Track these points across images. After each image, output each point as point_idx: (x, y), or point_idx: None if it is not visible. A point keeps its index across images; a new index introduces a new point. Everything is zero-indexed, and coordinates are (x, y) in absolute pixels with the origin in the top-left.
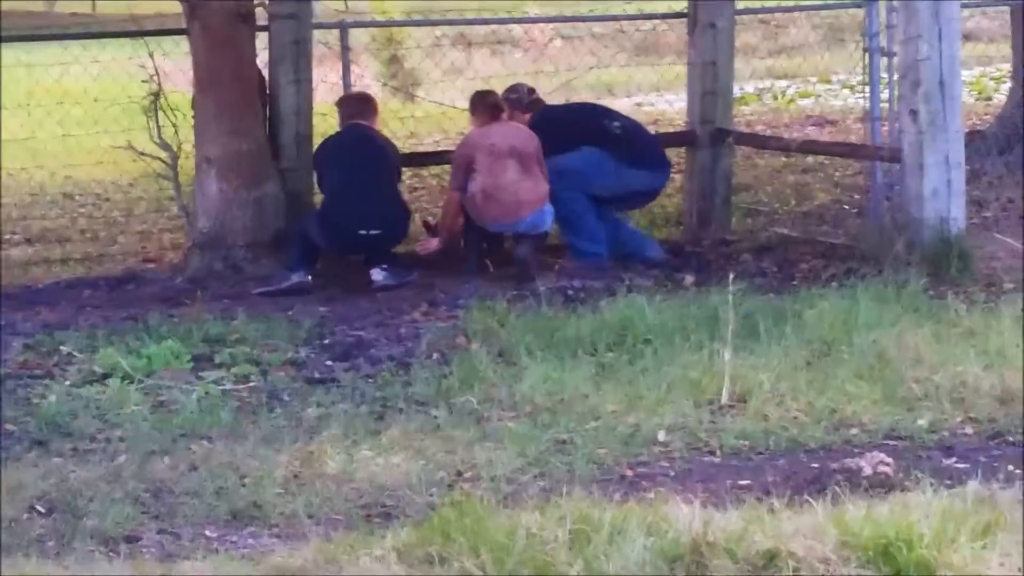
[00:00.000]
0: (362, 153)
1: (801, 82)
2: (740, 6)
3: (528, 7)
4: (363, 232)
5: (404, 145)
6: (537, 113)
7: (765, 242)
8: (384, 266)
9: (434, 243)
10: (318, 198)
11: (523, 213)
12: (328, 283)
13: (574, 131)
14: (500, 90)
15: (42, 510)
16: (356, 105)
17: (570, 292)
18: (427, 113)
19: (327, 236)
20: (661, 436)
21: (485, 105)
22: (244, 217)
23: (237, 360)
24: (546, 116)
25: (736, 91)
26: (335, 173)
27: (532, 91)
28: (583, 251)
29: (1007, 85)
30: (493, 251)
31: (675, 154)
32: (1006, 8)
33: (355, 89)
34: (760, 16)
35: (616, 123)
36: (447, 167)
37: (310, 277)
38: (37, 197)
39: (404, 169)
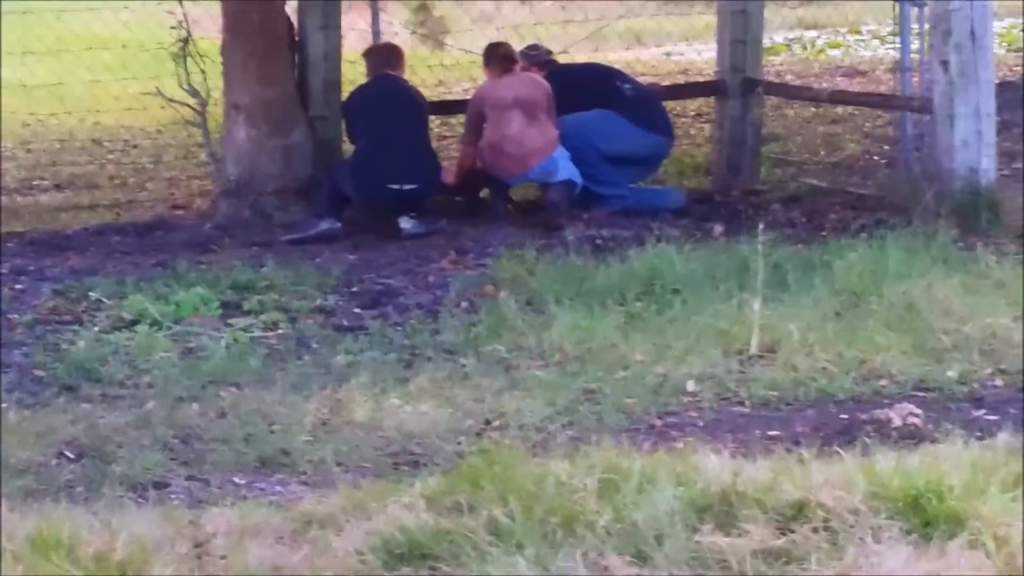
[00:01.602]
0: (393, 106)
1: (831, 32)
2: None
3: None
4: (395, 187)
5: (432, 93)
6: (549, 73)
7: (794, 192)
8: (412, 214)
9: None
10: (347, 147)
11: (531, 162)
12: (356, 231)
13: (585, 92)
14: (525, 40)
15: (71, 455)
16: (384, 56)
17: (599, 241)
18: (456, 61)
19: (358, 190)
20: (690, 386)
21: (497, 57)
22: (272, 164)
23: (266, 307)
24: (558, 76)
25: (766, 41)
26: (365, 126)
27: (550, 53)
28: (605, 196)
29: None
30: (510, 200)
31: (704, 104)
32: None
33: (384, 36)
34: None
35: (627, 85)
36: None
37: (339, 224)
38: (66, 143)
39: (432, 117)
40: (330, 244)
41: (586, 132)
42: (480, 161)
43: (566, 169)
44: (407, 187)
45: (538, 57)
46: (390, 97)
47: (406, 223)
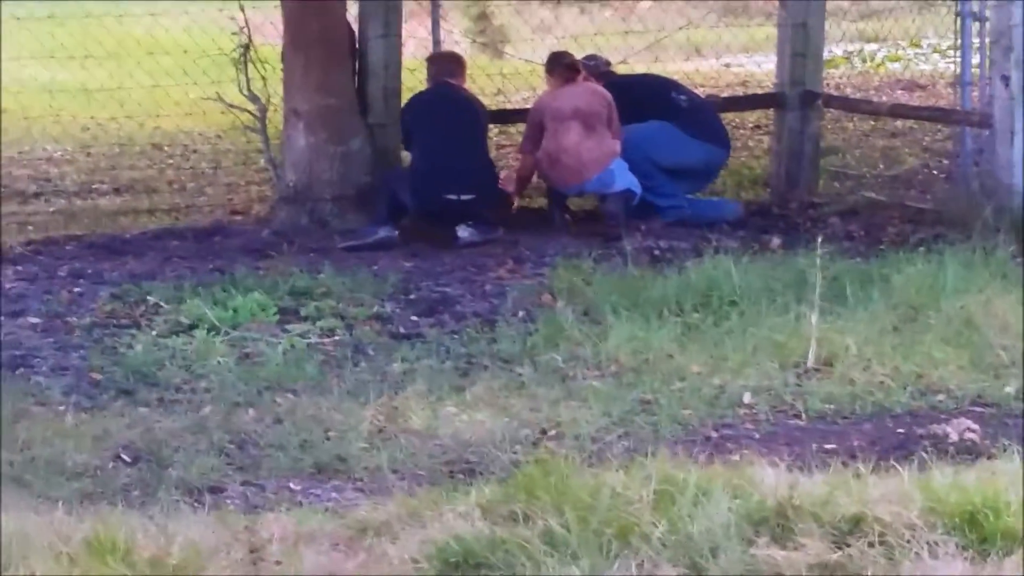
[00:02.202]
0: (451, 114)
1: (891, 45)
2: None
3: None
4: (452, 197)
5: (491, 102)
6: (606, 84)
7: (852, 206)
8: (469, 223)
9: (511, 186)
10: (404, 154)
11: (587, 174)
12: (413, 238)
13: (640, 102)
14: (585, 50)
15: (127, 459)
16: (445, 64)
17: (656, 252)
18: (515, 70)
19: (415, 199)
20: (746, 398)
21: (560, 66)
22: (331, 171)
23: (323, 314)
24: (614, 87)
25: (826, 53)
26: (424, 134)
27: (608, 63)
28: (662, 207)
29: None
30: (567, 210)
31: (763, 116)
32: None
33: (444, 45)
34: None
35: (683, 96)
36: None
37: (396, 232)
38: (126, 147)
39: (491, 126)
40: (387, 251)
41: (642, 144)
42: (538, 171)
43: (623, 180)
44: (464, 197)
45: (596, 67)
46: (448, 105)
47: (463, 231)
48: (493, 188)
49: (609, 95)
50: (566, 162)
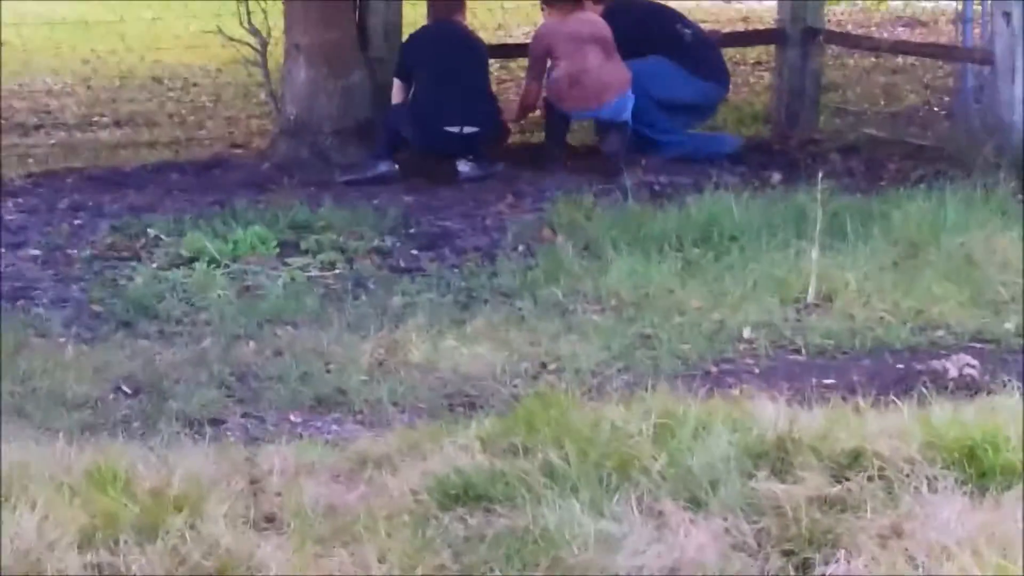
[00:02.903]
0: (452, 49)
1: None
2: None
3: None
4: (453, 130)
5: (492, 36)
6: (608, 7)
7: (853, 142)
8: (470, 157)
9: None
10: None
11: (607, 97)
12: (413, 173)
13: (644, 30)
14: None
15: (128, 391)
16: (447, 2)
17: (656, 187)
18: (516, 4)
19: (417, 133)
20: (746, 333)
21: None
22: (332, 105)
23: (323, 247)
24: (618, 11)
25: None
26: (426, 69)
27: None
28: (661, 142)
29: None
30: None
31: (764, 52)
32: None
33: None
34: None
35: (688, 29)
36: None
37: (396, 166)
38: (126, 81)
39: (491, 61)
40: (387, 186)
41: (639, 79)
42: (551, 95)
43: (629, 111)
44: (467, 130)
45: None
46: (450, 41)
47: (464, 166)
48: (496, 122)
49: (609, 28)
50: (587, 83)
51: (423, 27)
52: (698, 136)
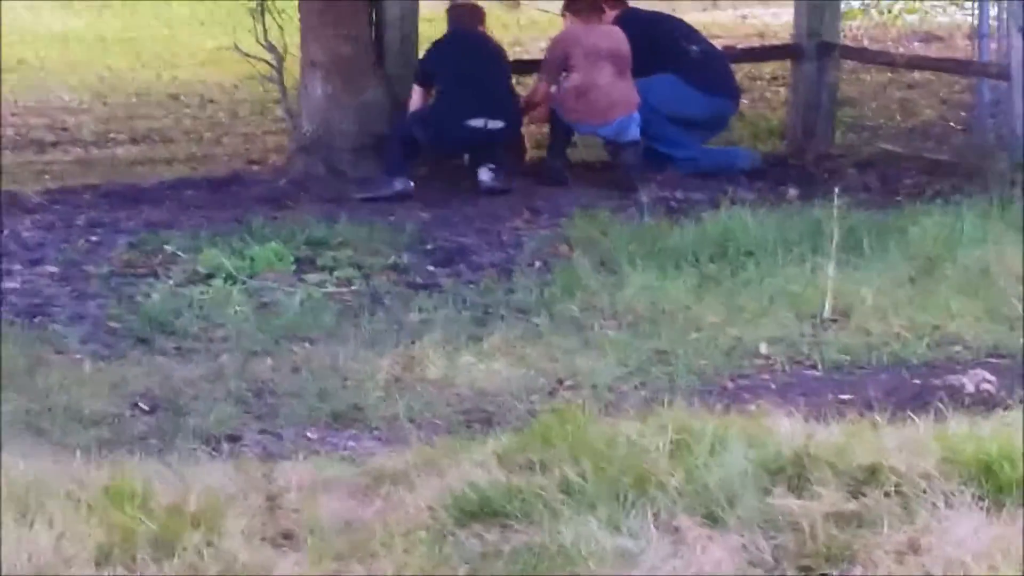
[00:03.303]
0: (474, 53)
1: None
2: None
3: None
4: (479, 124)
5: (509, 53)
6: (622, 15)
7: (869, 157)
8: (492, 167)
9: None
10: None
11: (613, 115)
12: (430, 188)
13: (654, 44)
14: None
15: (145, 407)
16: (466, 14)
17: (672, 203)
18: (532, 20)
19: (440, 132)
20: (763, 348)
21: (588, 5)
22: (348, 121)
23: (339, 263)
24: (631, 22)
25: (843, 5)
26: (448, 73)
27: None
28: (675, 157)
29: None
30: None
31: (780, 67)
32: None
33: None
34: None
35: (696, 47)
36: None
37: (412, 184)
38: (142, 97)
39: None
40: (403, 203)
41: (646, 96)
42: (559, 105)
43: (635, 131)
44: (491, 124)
45: None
46: (473, 47)
47: (485, 175)
48: (517, 120)
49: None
50: (595, 99)
51: (445, 35)
52: (714, 151)
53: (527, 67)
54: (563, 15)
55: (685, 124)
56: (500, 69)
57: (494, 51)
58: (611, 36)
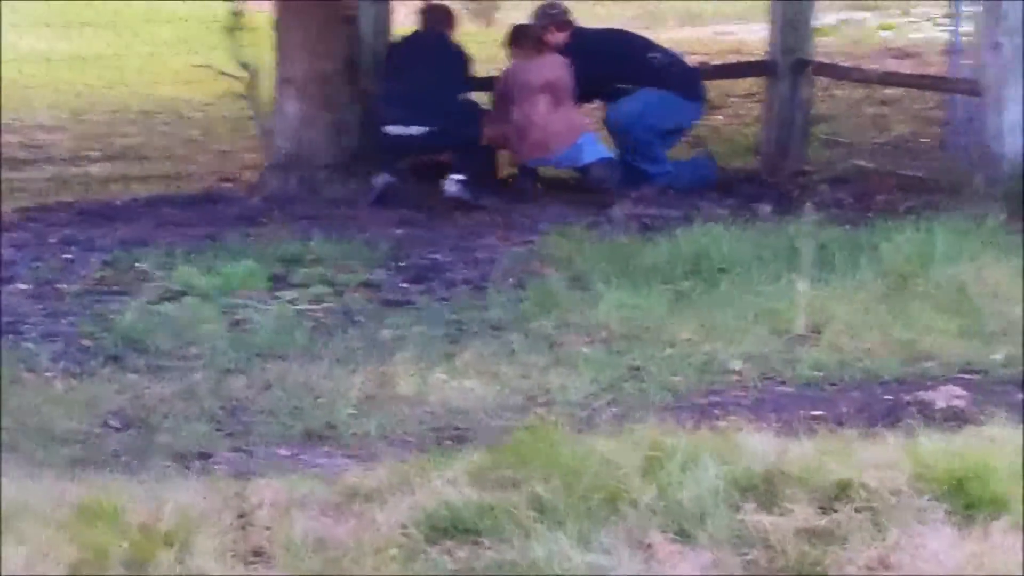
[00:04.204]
0: (424, 54)
1: (882, 14)
2: None
3: None
4: (397, 131)
5: (482, 69)
6: (573, 37)
7: (842, 174)
8: (460, 176)
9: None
10: None
11: (555, 146)
12: (403, 204)
13: (614, 58)
14: (579, 18)
15: (118, 425)
16: (434, 15)
17: (646, 220)
18: None
19: (375, 137)
20: (735, 365)
21: (528, 39)
22: (322, 138)
23: (313, 280)
24: (585, 41)
25: (817, 22)
26: (389, 73)
27: (567, 12)
28: (652, 173)
29: None
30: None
31: (754, 83)
32: None
33: None
34: None
35: (657, 54)
36: None
37: (394, 178)
38: (118, 114)
39: (484, 93)
40: (389, 202)
41: (642, 116)
42: (505, 143)
43: (592, 152)
44: (412, 130)
45: (557, 16)
46: (420, 46)
47: (450, 185)
48: (462, 127)
49: (569, 67)
50: (534, 135)
51: (402, 37)
52: (682, 164)
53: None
54: (509, 51)
55: (670, 133)
56: (449, 73)
57: (446, 52)
58: (547, 67)
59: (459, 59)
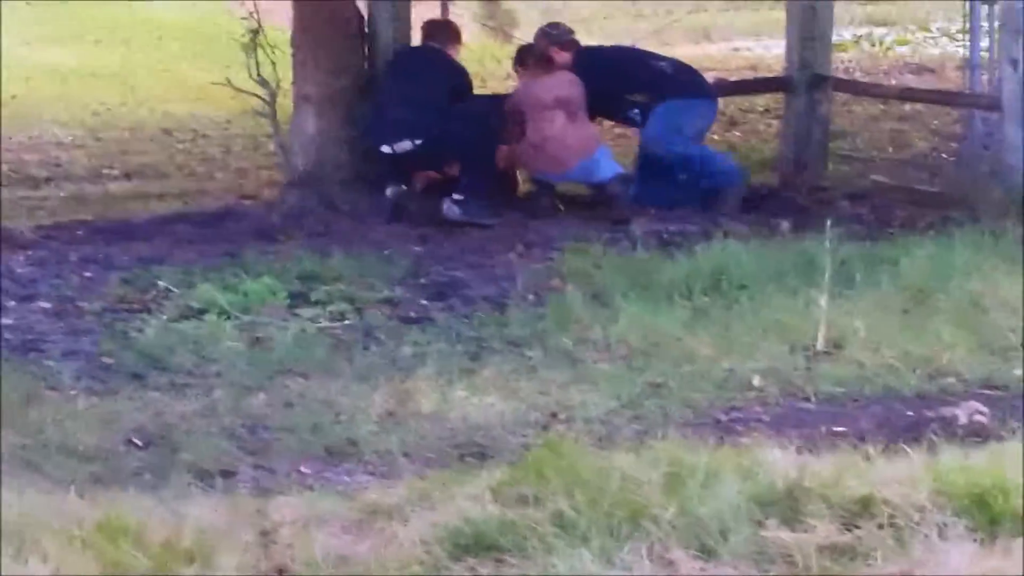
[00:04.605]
0: (414, 68)
1: (900, 29)
2: None
3: None
4: (386, 150)
5: (500, 86)
6: (579, 56)
7: (861, 189)
8: (459, 197)
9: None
10: None
11: (571, 162)
12: (421, 221)
13: (623, 72)
14: (593, 36)
15: (139, 443)
16: (435, 30)
17: (665, 236)
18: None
19: (371, 153)
20: (755, 381)
21: (535, 57)
22: (340, 155)
23: (333, 298)
24: (592, 60)
25: (835, 37)
26: (382, 88)
27: (571, 32)
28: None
29: None
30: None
31: (772, 99)
32: None
33: None
34: None
35: (663, 62)
36: None
37: (404, 186)
38: (135, 132)
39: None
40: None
41: (678, 128)
42: (520, 161)
43: (608, 168)
44: (397, 147)
45: (559, 36)
46: (414, 60)
47: (448, 206)
48: (453, 140)
49: (581, 83)
50: (551, 151)
51: (401, 50)
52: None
53: None
54: (516, 71)
55: (699, 135)
56: (440, 88)
57: (435, 66)
58: (559, 84)
59: (452, 74)
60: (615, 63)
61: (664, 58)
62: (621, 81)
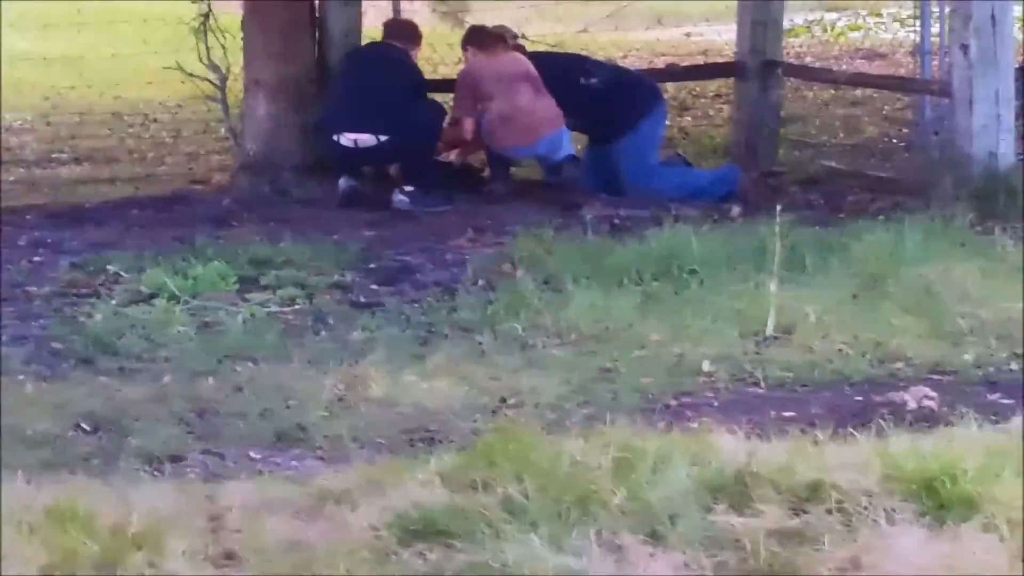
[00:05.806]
0: (372, 64)
1: (851, 14)
2: None
3: None
4: (346, 142)
5: (451, 71)
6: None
7: (812, 175)
8: (409, 188)
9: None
10: None
11: (541, 132)
12: (372, 207)
13: (552, 83)
14: (545, 19)
15: (88, 428)
16: (395, 29)
17: (616, 220)
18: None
19: (323, 147)
20: (706, 366)
21: (491, 37)
22: (291, 140)
23: (283, 283)
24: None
25: (786, 22)
26: (336, 84)
27: (516, 36)
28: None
29: None
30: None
31: (723, 85)
32: None
33: (404, 13)
34: None
35: (593, 79)
36: None
37: (355, 181)
38: (86, 117)
39: (451, 94)
40: (353, 206)
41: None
42: (485, 135)
43: (569, 146)
44: (360, 141)
45: (507, 40)
46: (372, 56)
47: (398, 197)
48: (413, 136)
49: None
50: (520, 120)
51: (359, 47)
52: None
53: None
54: (464, 50)
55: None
56: (392, 84)
57: (394, 63)
58: (518, 61)
59: (407, 74)
60: (547, 72)
61: (599, 68)
62: (563, 91)
